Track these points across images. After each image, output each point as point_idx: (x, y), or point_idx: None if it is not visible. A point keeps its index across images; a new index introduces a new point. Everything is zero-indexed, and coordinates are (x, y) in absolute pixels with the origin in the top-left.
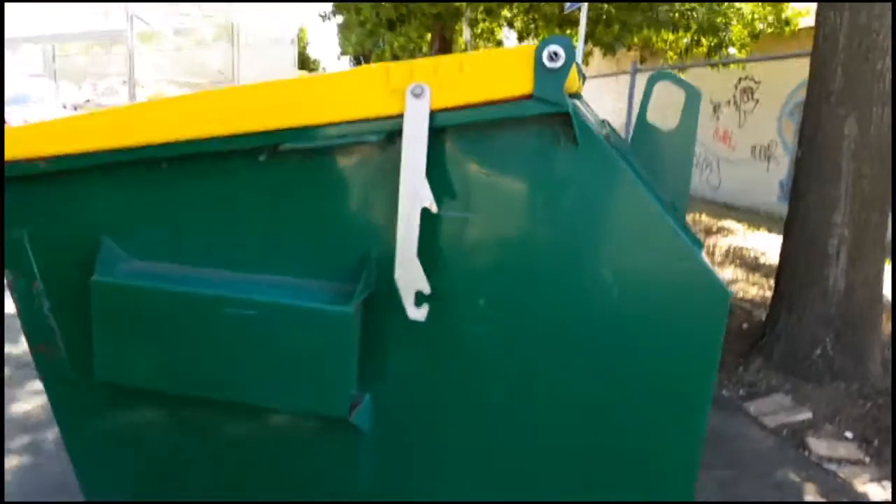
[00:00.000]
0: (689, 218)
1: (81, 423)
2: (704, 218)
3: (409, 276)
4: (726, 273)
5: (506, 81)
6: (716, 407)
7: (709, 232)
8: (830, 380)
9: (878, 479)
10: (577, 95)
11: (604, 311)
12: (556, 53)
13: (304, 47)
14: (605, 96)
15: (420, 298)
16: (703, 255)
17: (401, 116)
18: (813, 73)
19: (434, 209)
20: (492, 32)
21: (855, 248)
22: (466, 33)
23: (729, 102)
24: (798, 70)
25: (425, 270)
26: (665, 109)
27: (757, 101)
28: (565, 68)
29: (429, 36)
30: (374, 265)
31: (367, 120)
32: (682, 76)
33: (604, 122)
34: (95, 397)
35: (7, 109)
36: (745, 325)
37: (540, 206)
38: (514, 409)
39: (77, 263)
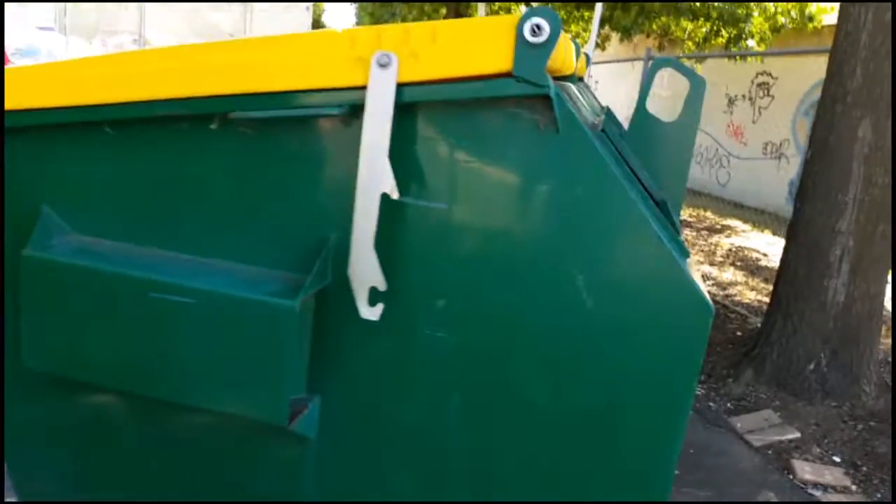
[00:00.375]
0: (694, 214)
1: (10, 413)
2: (710, 215)
3: (364, 271)
4: (725, 275)
5: (483, 56)
6: (701, 420)
7: (712, 230)
8: (822, 398)
9: None
10: (571, 78)
11: (575, 319)
12: (538, 27)
13: (320, 15)
14: (619, 83)
15: (374, 296)
16: (689, 265)
17: (365, 88)
18: (830, 71)
19: (395, 195)
20: (508, 10)
21: (858, 260)
22: (482, 9)
23: (744, 97)
24: (817, 68)
25: (383, 265)
26: (677, 100)
27: (773, 97)
28: (549, 44)
29: (443, 10)
30: (330, 255)
31: (328, 90)
32: (699, 67)
33: (604, 110)
34: (24, 386)
35: (17, 62)
36: (738, 333)
37: (512, 199)
38: (474, 421)
39: (15, 235)
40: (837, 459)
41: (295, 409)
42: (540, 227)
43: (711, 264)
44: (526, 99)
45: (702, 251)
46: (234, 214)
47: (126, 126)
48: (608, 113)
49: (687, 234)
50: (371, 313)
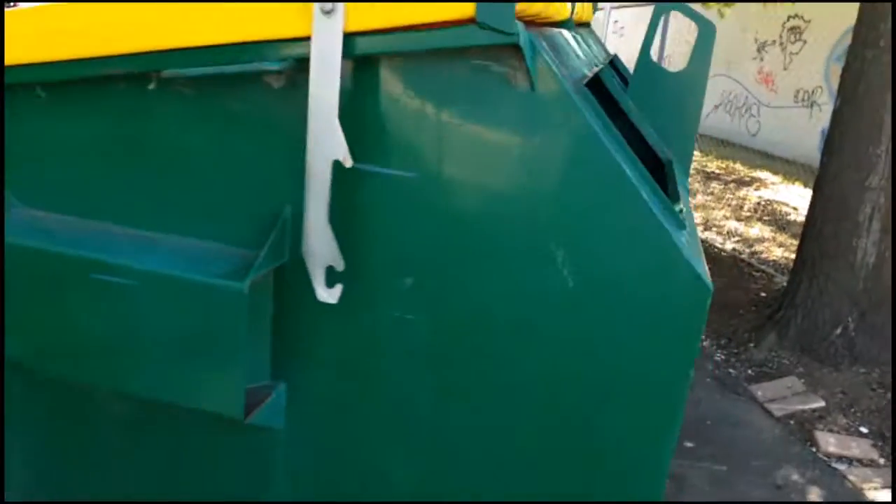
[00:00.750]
0: (722, 166)
1: None
2: (739, 166)
3: (319, 249)
4: (752, 230)
5: None
6: (720, 387)
7: (741, 183)
8: (849, 364)
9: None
10: (566, 24)
11: (558, 298)
12: None
13: None
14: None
15: (332, 276)
16: (689, 237)
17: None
18: (861, 14)
19: (348, 163)
20: None
21: (890, 218)
22: None
23: (774, 42)
24: (852, 11)
25: (342, 241)
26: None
27: (804, 42)
28: None
29: None
30: (286, 229)
31: (269, 42)
32: (726, 11)
33: (608, 59)
34: None
35: None
36: (762, 294)
37: (482, 164)
38: (450, 405)
39: None
40: (864, 430)
41: (256, 399)
42: (516, 196)
43: (738, 219)
44: (493, 49)
45: (728, 205)
46: (181, 184)
47: (59, 88)
48: (612, 63)
49: (714, 186)
50: (328, 295)
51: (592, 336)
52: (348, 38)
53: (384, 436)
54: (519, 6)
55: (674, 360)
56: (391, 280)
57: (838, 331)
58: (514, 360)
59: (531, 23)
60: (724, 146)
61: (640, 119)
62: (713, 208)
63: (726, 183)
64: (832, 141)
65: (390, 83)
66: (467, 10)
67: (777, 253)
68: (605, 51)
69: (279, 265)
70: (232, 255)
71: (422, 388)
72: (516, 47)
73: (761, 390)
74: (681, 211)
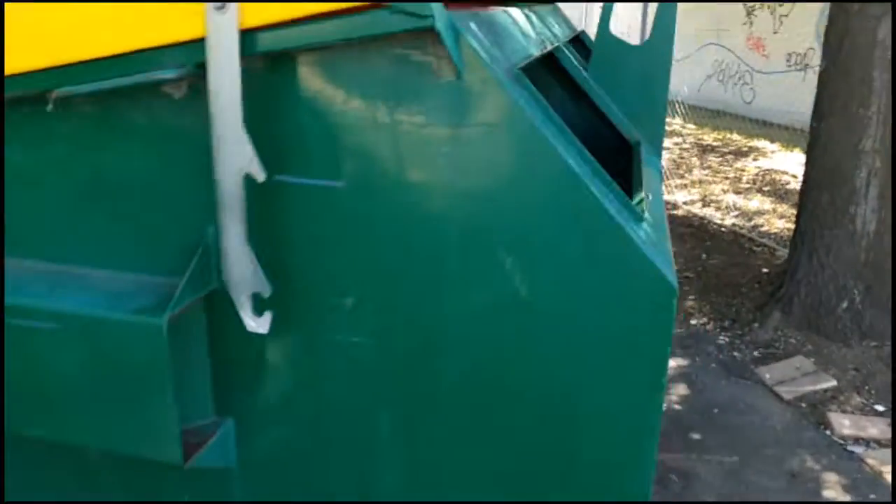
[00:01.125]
0: (719, 137)
1: None
2: (735, 137)
3: (240, 274)
4: (752, 203)
5: None
6: (725, 373)
7: (738, 154)
8: (860, 339)
9: None
10: (518, 2)
11: (510, 308)
12: None
13: None
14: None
15: (259, 303)
16: (646, 232)
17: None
18: None
19: (259, 176)
20: None
21: (888, 182)
22: None
23: (763, 5)
24: None
25: (270, 262)
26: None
27: (793, 3)
28: None
29: None
30: (210, 254)
31: (163, 48)
32: None
33: (572, 36)
34: None
35: None
36: (764, 270)
37: (413, 166)
38: (408, 437)
39: None
40: (880, 409)
41: (201, 438)
42: (454, 199)
43: (737, 192)
44: (411, 36)
45: (727, 178)
46: (96, 212)
47: None
48: (579, 40)
49: (711, 160)
50: (258, 325)
51: (550, 347)
52: (247, 34)
53: (341, 463)
54: None
55: (641, 368)
56: (330, 301)
57: (844, 305)
58: (466, 379)
59: (466, 3)
60: (719, 117)
61: (603, 99)
62: (711, 182)
63: (723, 155)
64: (820, 104)
65: (304, 82)
66: None
67: (778, 225)
68: (570, 27)
69: (209, 292)
70: (157, 287)
71: (377, 414)
72: (435, 32)
73: (769, 372)
74: (641, 201)
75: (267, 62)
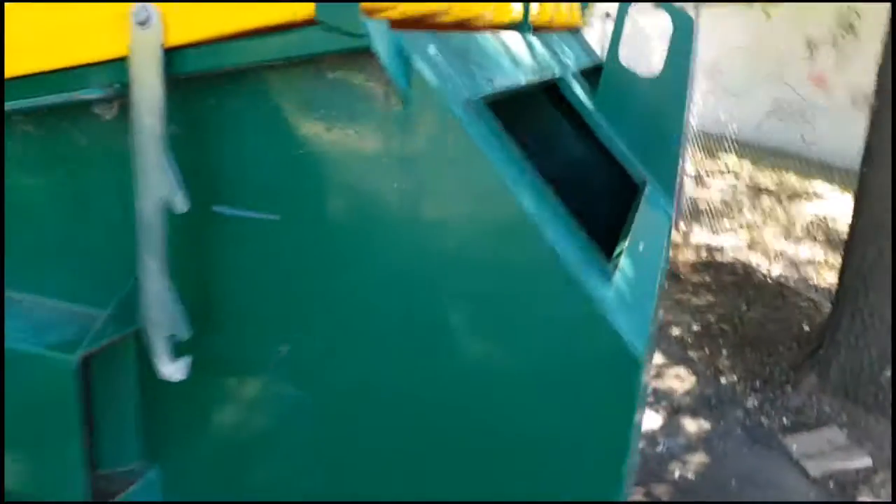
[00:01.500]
0: (775, 178)
1: None
2: (792, 178)
3: (158, 313)
4: (802, 251)
5: None
6: (750, 440)
7: (793, 196)
8: None
9: None
10: (521, 27)
11: (454, 370)
12: None
13: None
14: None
15: (177, 347)
16: (616, 291)
17: None
18: None
19: (180, 206)
20: None
21: None
22: None
23: (827, 40)
24: None
25: (194, 301)
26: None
27: (859, 38)
28: None
29: None
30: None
31: (92, 65)
32: (772, 8)
33: (589, 66)
34: None
35: None
36: (805, 327)
37: (353, 201)
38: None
39: None
40: None
41: (123, 486)
42: (395, 242)
43: (788, 239)
44: (349, 59)
45: (778, 223)
46: (32, 237)
47: None
48: (597, 69)
49: (764, 202)
50: (173, 370)
51: (497, 415)
52: (173, 53)
53: None
54: (377, 5)
55: (597, 449)
56: (262, 348)
57: (887, 373)
58: (400, 434)
59: (437, 25)
60: (776, 156)
61: (607, 133)
62: (761, 227)
63: (778, 197)
64: (871, 149)
65: (237, 107)
66: (306, 9)
67: (829, 278)
68: (590, 55)
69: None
70: (86, 319)
71: (310, 465)
72: (372, 54)
73: (797, 443)
74: (619, 254)
75: (198, 84)
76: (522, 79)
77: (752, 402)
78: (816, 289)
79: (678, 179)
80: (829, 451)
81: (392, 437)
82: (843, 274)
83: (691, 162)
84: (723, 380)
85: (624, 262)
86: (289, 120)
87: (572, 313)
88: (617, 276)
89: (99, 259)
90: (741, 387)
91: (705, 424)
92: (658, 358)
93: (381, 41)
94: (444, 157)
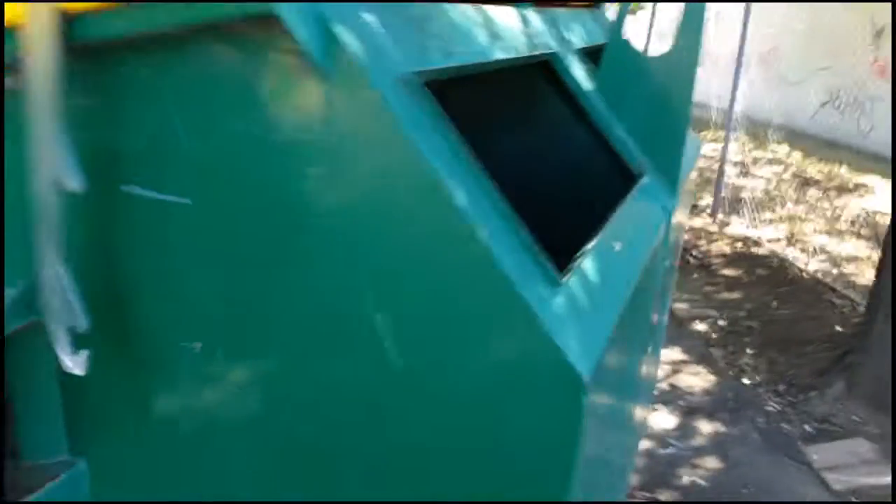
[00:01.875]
0: (824, 170)
1: None
2: (843, 171)
3: (55, 303)
4: (844, 247)
5: None
6: (768, 447)
7: (841, 189)
8: None
9: None
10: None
11: (376, 382)
12: None
13: None
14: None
15: (77, 339)
16: (568, 301)
17: None
18: None
19: (71, 185)
20: None
21: None
22: None
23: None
24: None
25: (100, 290)
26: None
27: None
28: None
29: None
30: None
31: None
32: None
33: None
34: None
35: None
36: (839, 328)
37: (267, 185)
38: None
39: None
40: None
41: (45, 477)
42: (313, 234)
43: (830, 233)
44: (261, 26)
45: (823, 217)
46: None
47: None
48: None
49: (809, 195)
50: (73, 363)
51: (424, 429)
52: (70, 19)
53: None
54: None
55: (537, 476)
56: (175, 342)
57: None
58: (319, 446)
59: None
60: (829, 148)
61: (607, 120)
62: (803, 220)
63: (825, 190)
64: None
65: (147, 77)
66: None
67: (870, 275)
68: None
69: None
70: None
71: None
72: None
73: (819, 453)
74: (579, 256)
75: (109, 53)
76: (500, 54)
77: (773, 405)
78: (854, 287)
79: (680, 168)
80: (855, 465)
81: (311, 443)
82: (879, 270)
83: (737, 149)
84: (745, 380)
85: (587, 264)
86: (198, 95)
87: (508, 324)
88: (572, 282)
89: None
90: (763, 389)
91: (721, 428)
92: (676, 353)
93: (289, 6)
94: (367, 143)
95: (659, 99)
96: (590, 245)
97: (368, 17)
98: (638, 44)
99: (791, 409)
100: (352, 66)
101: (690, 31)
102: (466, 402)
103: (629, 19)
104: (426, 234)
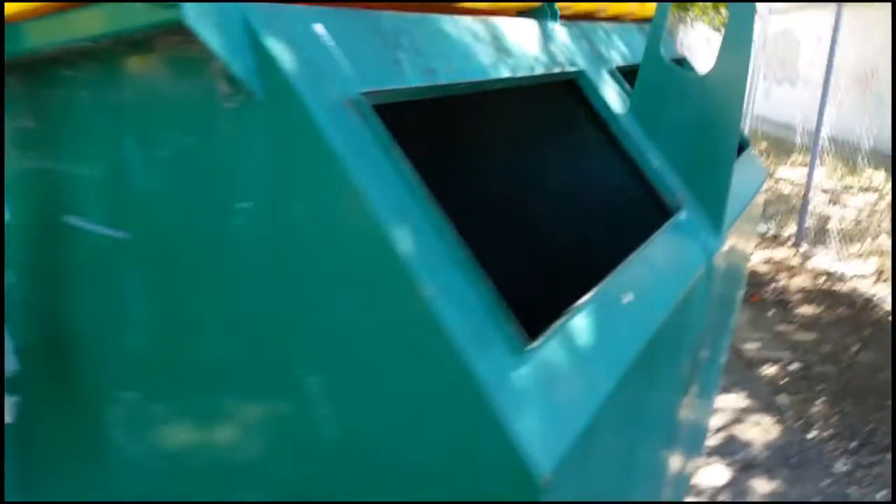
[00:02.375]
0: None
1: None
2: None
3: None
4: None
5: None
6: None
7: None
8: None
9: None
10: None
11: (303, 457)
12: None
13: None
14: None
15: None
16: (534, 372)
17: None
18: None
19: None
20: None
21: None
22: None
23: None
24: None
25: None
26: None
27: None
28: None
29: None
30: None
31: None
32: None
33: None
34: None
35: None
36: None
37: (192, 223)
38: None
39: None
40: None
41: None
42: (238, 278)
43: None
44: (182, 39)
45: None
46: None
47: None
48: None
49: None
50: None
51: None
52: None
53: None
54: None
55: None
56: (111, 392)
57: None
58: None
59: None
60: (876, 157)
61: (639, 146)
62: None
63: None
64: None
65: (80, 97)
66: None
67: None
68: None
69: None
70: None
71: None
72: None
73: None
74: (567, 313)
75: (45, 71)
76: (505, 71)
77: (843, 465)
78: None
79: (726, 201)
80: None
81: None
82: None
83: (826, 176)
84: (812, 433)
85: (575, 322)
86: (122, 116)
87: (454, 403)
88: (547, 347)
89: None
90: (833, 445)
91: (780, 486)
92: (740, 400)
93: (203, 14)
94: (299, 175)
95: (702, 123)
96: (584, 298)
97: (316, 28)
98: (695, 59)
99: (862, 472)
100: (282, 85)
101: (737, 43)
102: (403, 492)
103: (681, 30)
104: (362, 288)
